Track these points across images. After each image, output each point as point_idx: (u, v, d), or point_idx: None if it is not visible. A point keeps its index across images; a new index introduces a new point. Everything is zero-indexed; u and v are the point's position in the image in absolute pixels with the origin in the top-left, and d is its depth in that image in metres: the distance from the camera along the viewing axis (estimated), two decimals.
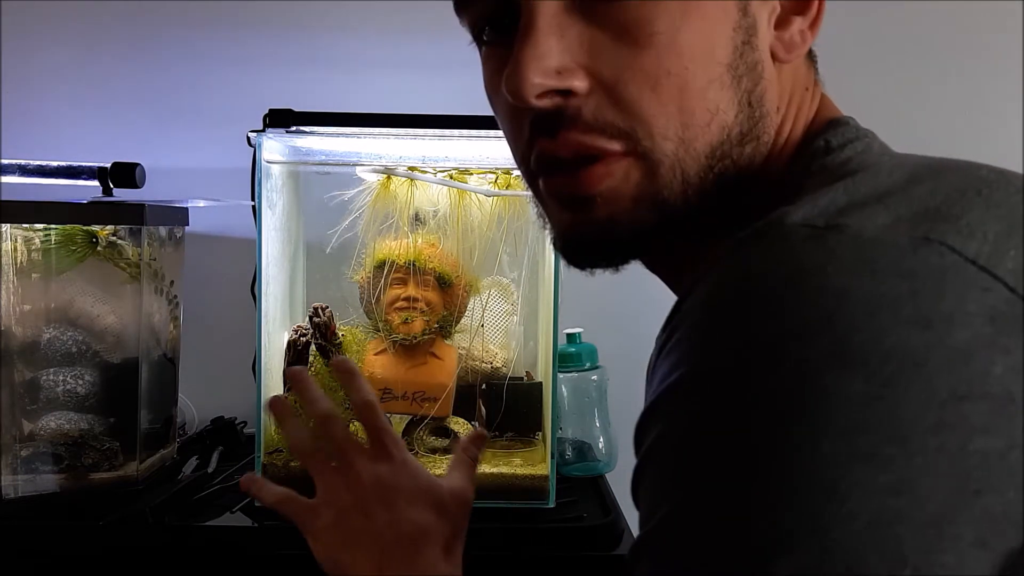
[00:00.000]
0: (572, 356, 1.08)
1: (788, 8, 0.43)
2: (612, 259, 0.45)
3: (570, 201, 0.43)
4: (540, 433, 1.00)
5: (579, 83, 0.39)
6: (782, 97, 0.43)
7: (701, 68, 0.39)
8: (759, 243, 0.33)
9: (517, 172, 0.95)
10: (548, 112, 0.40)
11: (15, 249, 0.91)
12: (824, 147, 0.41)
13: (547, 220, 0.47)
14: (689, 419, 0.33)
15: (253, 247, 0.89)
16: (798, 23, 0.43)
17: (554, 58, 0.39)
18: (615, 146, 0.40)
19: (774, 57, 0.42)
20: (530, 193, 0.48)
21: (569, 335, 1.09)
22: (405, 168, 0.94)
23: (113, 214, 0.94)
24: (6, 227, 0.90)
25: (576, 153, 0.41)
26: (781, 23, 0.43)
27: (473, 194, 0.95)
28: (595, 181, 0.41)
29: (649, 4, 0.39)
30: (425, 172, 0.94)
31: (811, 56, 0.46)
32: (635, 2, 0.39)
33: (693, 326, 0.34)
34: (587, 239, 0.43)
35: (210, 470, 1.02)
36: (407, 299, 0.95)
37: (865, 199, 0.33)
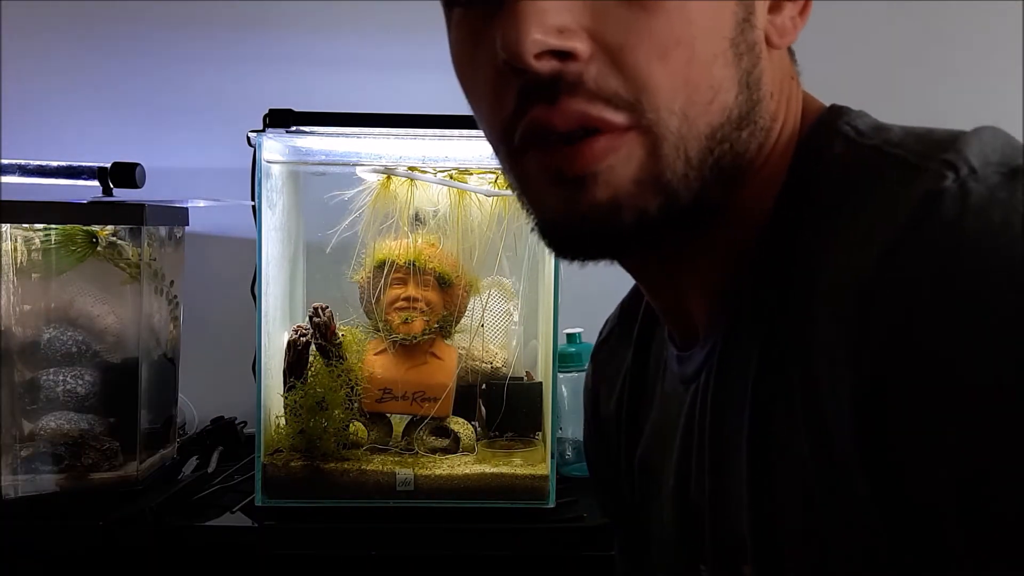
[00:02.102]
0: (572, 356, 1.08)
1: None
2: (608, 249, 0.41)
3: (564, 180, 0.38)
4: (540, 433, 1.00)
5: (581, 46, 0.35)
6: (774, 83, 0.41)
7: (708, 40, 0.37)
8: (1012, 181, 0.32)
9: None
10: (543, 78, 0.36)
11: (15, 249, 0.91)
12: (855, 131, 0.39)
13: (530, 205, 0.42)
14: None
15: (253, 247, 0.89)
16: (789, 9, 0.41)
17: (556, 15, 0.35)
18: (619, 118, 0.36)
19: (768, 42, 0.40)
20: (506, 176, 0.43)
21: (569, 335, 1.09)
22: (405, 168, 0.94)
23: (113, 214, 0.94)
24: (6, 227, 0.90)
25: (577, 124, 0.37)
26: (774, 7, 0.41)
27: (473, 194, 0.95)
28: (597, 157, 0.37)
29: None
30: (425, 172, 0.94)
31: (790, 48, 0.44)
32: None
33: (986, 271, 0.30)
34: (582, 224, 0.39)
35: (210, 470, 1.02)
36: (407, 299, 0.95)
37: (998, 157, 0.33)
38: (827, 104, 0.43)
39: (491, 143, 0.42)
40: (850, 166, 0.38)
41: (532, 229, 0.42)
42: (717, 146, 0.38)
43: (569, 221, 0.39)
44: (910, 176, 0.34)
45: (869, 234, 0.33)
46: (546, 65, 0.36)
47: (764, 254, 0.40)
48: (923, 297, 0.31)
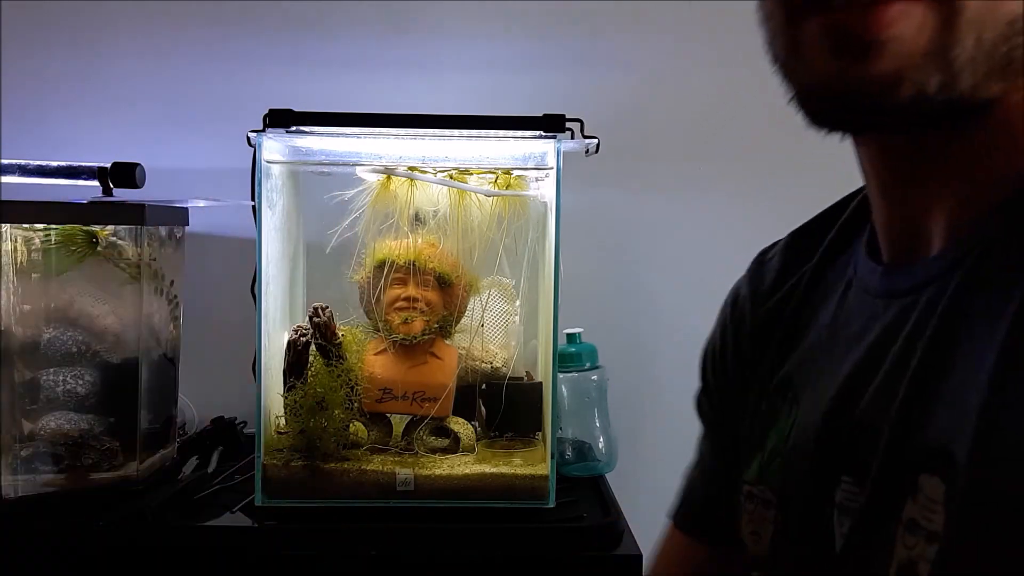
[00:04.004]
0: (572, 356, 1.08)
1: None
2: (874, 124, 0.39)
3: (846, 46, 0.36)
4: (540, 433, 1.00)
5: None
6: None
7: None
8: None
9: (517, 172, 0.95)
10: None
11: (15, 249, 0.91)
12: None
13: (795, 72, 0.40)
14: None
15: (253, 247, 0.89)
16: None
17: None
18: None
19: None
20: (777, 39, 0.40)
21: (569, 335, 1.09)
22: (405, 168, 0.94)
23: (113, 214, 0.94)
24: (6, 227, 0.90)
25: None
26: None
27: (473, 194, 0.95)
28: (889, 22, 0.35)
29: None
30: (425, 172, 0.94)
31: None
32: None
33: None
34: (857, 94, 0.37)
35: (210, 470, 1.02)
36: (407, 299, 0.95)
37: None
38: None
39: (764, 11, 0.41)
40: None
41: (790, 99, 0.41)
42: (1015, 36, 0.35)
43: (842, 89, 0.38)
44: None
45: None
46: None
47: None
48: None
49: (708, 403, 0.63)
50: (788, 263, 0.58)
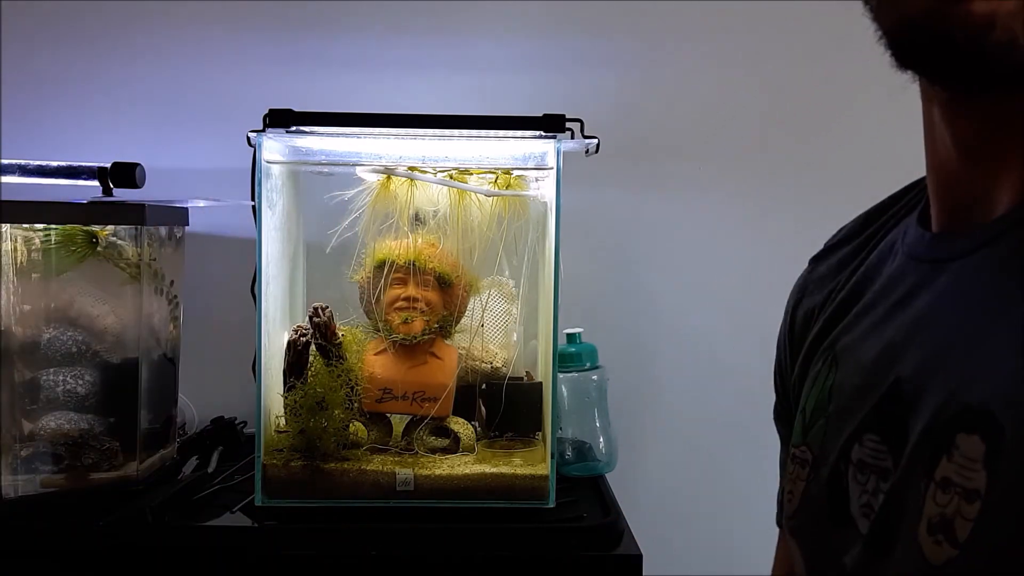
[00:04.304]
0: (572, 356, 1.08)
1: None
2: (959, 67, 0.39)
3: None
4: (540, 433, 1.00)
5: None
6: None
7: None
8: None
9: (517, 172, 0.95)
10: None
11: (15, 249, 0.91)
12: None
13: (888, 6, 0.40)
14: None
15: (253, 247, 0.89)
16: None
17: None
18: None
19: None
20: None
21: (569, 335, 1.09)
22: (405, 168, 0.94)
23: (113, 214, 0.94)
24: (6, 227, 0.90)
25: None
26: None
27: (473, 194, 0.95)
28: None
29: None
30: (425, 172, 0.94)
31: None
32: None
33: None
34: (947, 32, 0.37)
35: (210, 470, 1.02)
36: (407, 299, 0.95)
37: None
38: None
39: None
40: None
41: (879, 38, 0.41)
42: None
43: (936, 24, 0.38)
44: None
45: None
46: None
47: None
48: None
49: (781, 409, 0.64)
50: (843, 258, 0.59)
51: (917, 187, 0.55)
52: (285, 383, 0.92)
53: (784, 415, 0.62)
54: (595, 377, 1.09)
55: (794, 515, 0.52)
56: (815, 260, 0.62)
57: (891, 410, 0.43)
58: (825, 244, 0.62)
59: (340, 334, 0.93)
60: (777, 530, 0.63)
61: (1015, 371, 0.36)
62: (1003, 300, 0.39)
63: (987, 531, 0.35)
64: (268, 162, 0.91)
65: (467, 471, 0.90)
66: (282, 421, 0.93)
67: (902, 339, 0.45)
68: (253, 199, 0.90)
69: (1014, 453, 0.35)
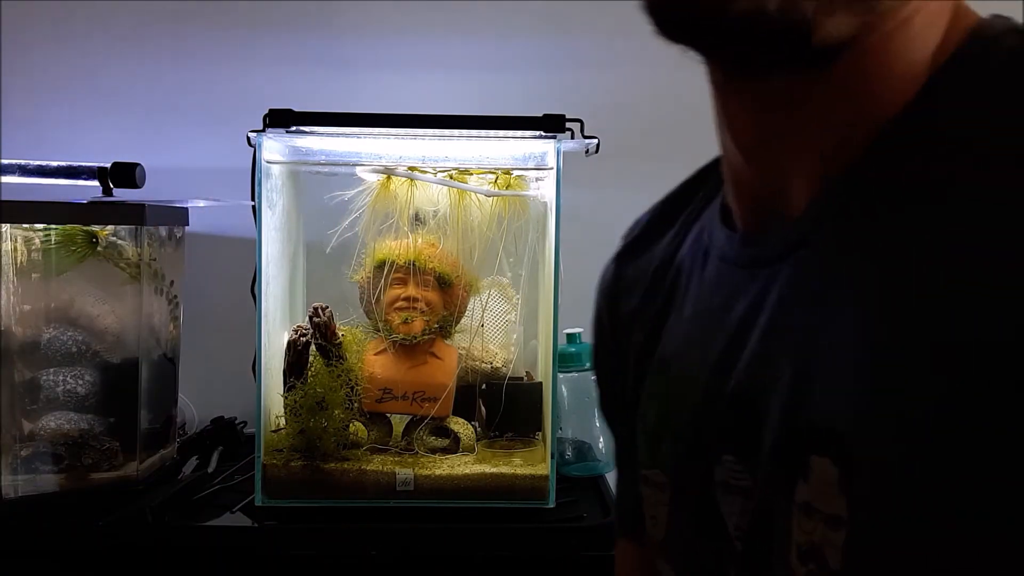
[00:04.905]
0: (572, 356, 1.08)
1: None
2: (708, 31, 0.37)
3: None
4: (540, 433, 1.00)
5: None
6: None
7: None
8: None
9: (517, 172, 0.95)
10: None
11: (15, 249, 0.91)
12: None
13: None
14: None
15: (253, 247, 0.89)
16: None
17: None
18: None
19: None
20: None
21: (569, 335, 1.09)
22: (405, 168, 0.94)
23: (113, 214, 0.94)
24: (6, 227, 0.90)
25: None
26: None
27: (473, 194, 0.95)
28: None
29: None
30: (425, 172, 0.94)
31: None
32: None
33: None
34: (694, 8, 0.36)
35: (210, 470, 1.02)
36: (407, 299, 0.95)
37: None
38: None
39: None
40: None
41: (642, 7, 0.39)
42: None
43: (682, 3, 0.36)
44: None
45: None
46: None
47: (907, 124, 0.36)
48: None
49: (611, 407, 0.61)
50: (646, 243, 0.55)
51: (719, 165, 0.51)
52: (285, 383, 0.92)
53: (615, 413, 0.58)
54: (595, 377, 1.09)
55: (665, 539, 0.48)
56: (620, 259, 0.57)
57: (737, 428, 0.40)
58: (624, 239, 0.58)
59: (340, 334, 0.93)
60: None
61: (856, 385, 0.33)
62: (822, 307, 0.36)
63: (859, 558, 0.32)
64: (268, 162, 0.91)
65: (467, 471, 0.90)
66: (282, 421, 0.93)
67: (733, 352, 0.41)
68: (253, 199, 0.90)
69: (868, 477, 0.32)
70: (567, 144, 0.89)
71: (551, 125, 0.89)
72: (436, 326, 0.97)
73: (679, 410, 0.46)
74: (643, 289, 0.53)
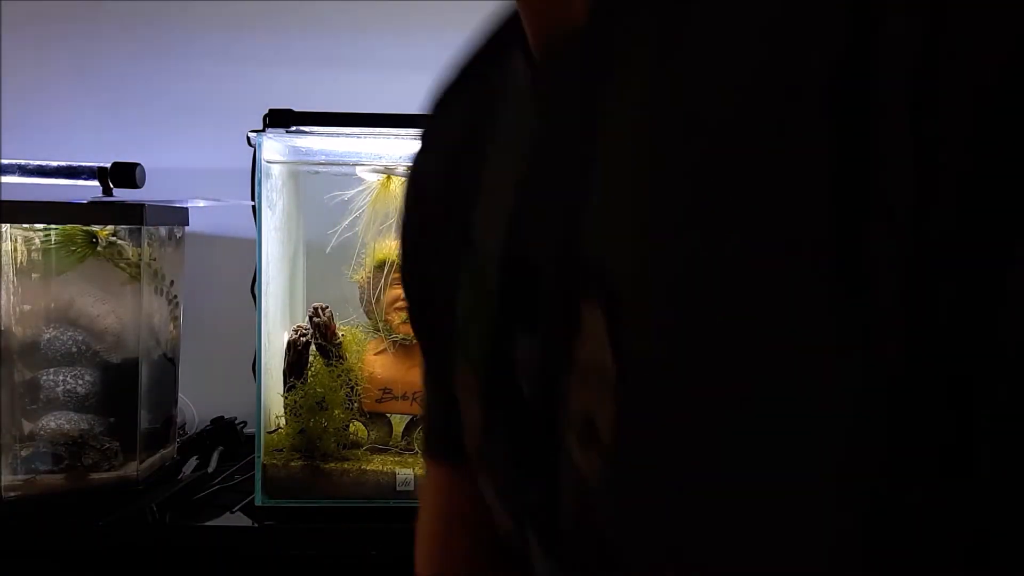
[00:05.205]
0: None
1: None
2: None
3: None
4: None
5: None
6: None
7: None
8: None
9: None
10: None
11: (15, 249, 0.91)
12: None
13: None
14: None
15: (253, 247, 0.89)
16: None
17: None
18: None
19: None
20: None
21: None
22: (405, 168, 0.94)
23: (113, 214, 0.94)
24: (6, 227, 0.90)
25: None
26: None
27: None
28: None
29: None
30: None
31: None
32: None
33: None
34: None
35: (210, 470, 1.02)
36: None
37: None
38: None
39: None
40: None
41: None
42: None
43: None
44: None
45: None
46: None
47: None
48: None
49: (423, 320, 0.49)
50: (451, 109, 0.48)
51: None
52: (285, 383, 0.92)
53: (428, 328, 0.47)
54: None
55: (481, 448, 0.40)
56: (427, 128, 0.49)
57: (527, 295, 0.33)
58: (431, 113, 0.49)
59: (340, 334, 0.93)
60: None
61: (621, 204, 0.27)
62: (593, 120, 0.29)
63: (629, 431, 0.26)
64: (268, 162, 0.91)
65: None
66: (282, 421, 0.93)
67: (524, 202, 0.35)
68: (253, 199, 0.90)
69: (637, 326, 0.25)
70: None
71: None
72: None
73: (479, 290, 0.39)
74: (450, 161, 0.46)
